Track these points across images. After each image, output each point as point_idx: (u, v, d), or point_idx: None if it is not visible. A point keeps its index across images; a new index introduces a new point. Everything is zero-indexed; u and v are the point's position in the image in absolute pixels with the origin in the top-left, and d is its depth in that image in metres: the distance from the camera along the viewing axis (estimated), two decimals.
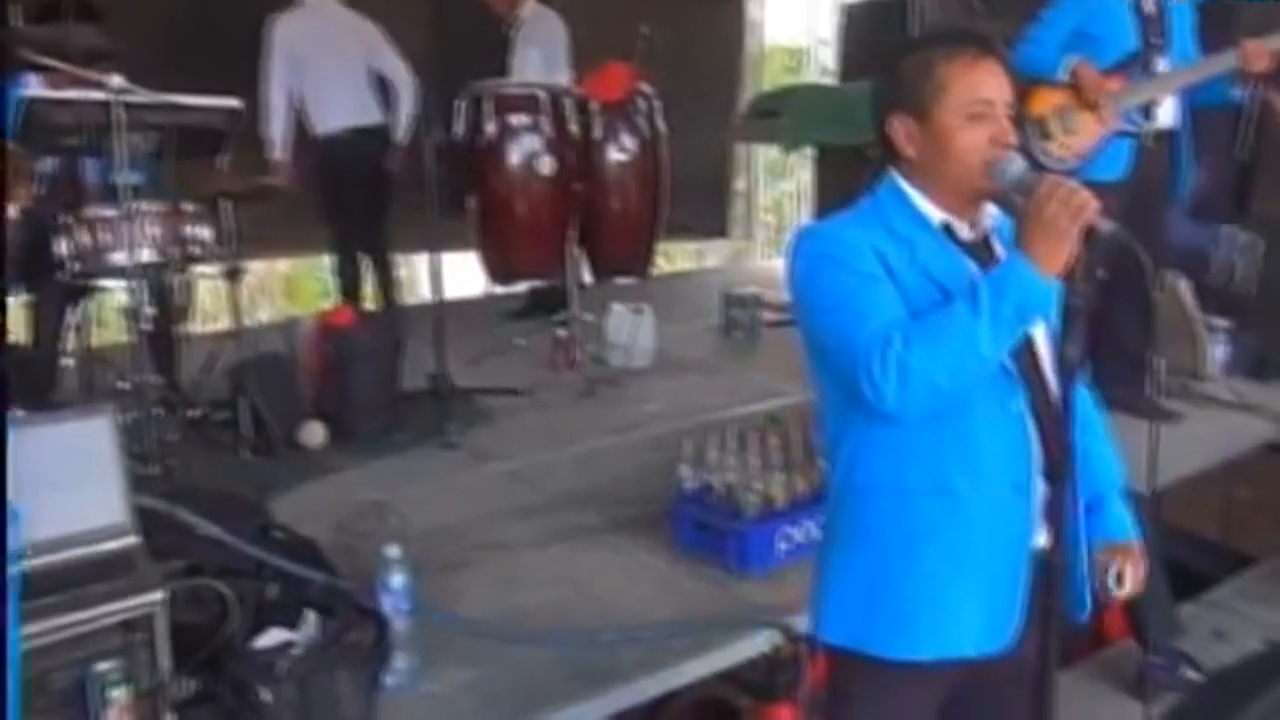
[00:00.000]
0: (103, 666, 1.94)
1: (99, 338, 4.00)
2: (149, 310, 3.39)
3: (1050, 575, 1.59)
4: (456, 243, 4.63)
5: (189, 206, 3.54)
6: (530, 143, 4.43)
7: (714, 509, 2.87)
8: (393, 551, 2.30)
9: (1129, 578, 1.73)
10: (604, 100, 4.54)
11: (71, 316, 3.73)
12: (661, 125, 4.64)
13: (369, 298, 5.33)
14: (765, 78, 8.36)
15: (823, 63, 8.36)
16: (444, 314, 3.98)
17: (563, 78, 4.93)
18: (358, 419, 3.79)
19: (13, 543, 1.46)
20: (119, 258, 3.33)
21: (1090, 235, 1.47)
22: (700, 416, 3.88)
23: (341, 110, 4.91)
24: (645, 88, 4.62)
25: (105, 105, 3.16)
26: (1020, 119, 1.82)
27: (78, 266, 3.37)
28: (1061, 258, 1.47)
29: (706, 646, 2.48)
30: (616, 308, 4.75)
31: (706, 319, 5.50)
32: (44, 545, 2.01)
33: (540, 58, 5.02)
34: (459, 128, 4.50)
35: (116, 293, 3.61)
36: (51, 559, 2.02)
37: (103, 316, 4.11)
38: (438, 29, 6.24)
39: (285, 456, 3.58)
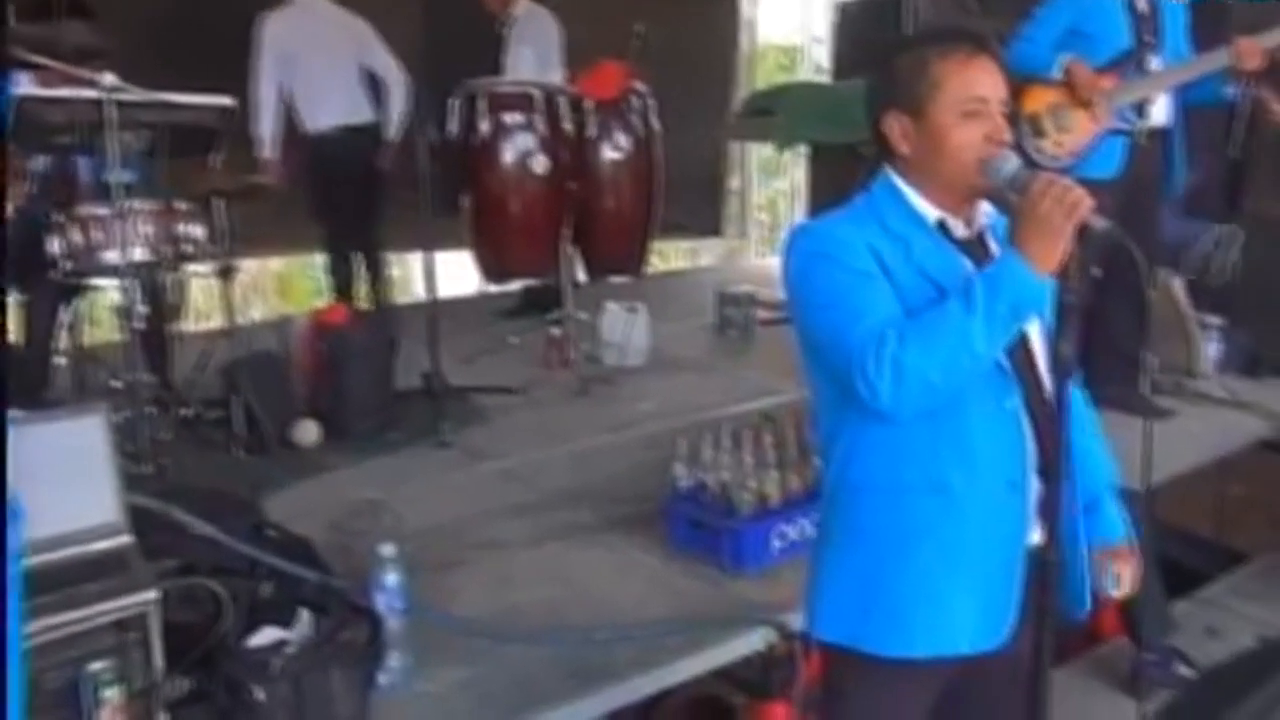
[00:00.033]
0: (96, 666, 1.93)
1: (91, 336, 3.99)
2: (142, 309, 3.38)
3: (1045, 573, 1.59)
4: (451, 241, 4.63)
5: (182, 205, 3.54)
6: (524, 141, 4.42)
7: (709, 507, 2.87)
8: (387, 550, 2.29)
9: (1126, 578, 1.74)
10: (598, 98, 4.53)
11: (64, 315, 3.72)
12: (655, 123, 4.63)
13: (360, 296, 5.33)
14: (759, 76, 8.37)
15: (817, 61, 8.36)
16: (438, 313, 3.97)
17: (556, 76, 4.93)
18: (352, 417, 3.79)
19: (17, 540, 1.45)
20: (112, 256, 3.33)
21: (1084, 233, 1.47)
22: (695, 415, 3.88)
23: (333, 108, 4.91)
24: (639, 86, 4.62)
25: (97, 103, 3.15)
26: (1014, 117, 1.83)
27: (70, 265, 3.36)
28: (1055, 255, 1.47)
29: (701, 644, 2.48)
30: (611, 306, 4.75)
31: (701, 317, 5.50)
32: (37, 544, 2.00)
33: (534, 56, 5.02)
34: (453, 126, 4.50)
35: (109, 291, 3.59)
36: (44, 558, 2.01)
37: (95, 315, 4.09)
38: (430, 27, 6.23)
39: (279, 455, 3.58)
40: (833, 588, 1.71)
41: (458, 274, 5.44)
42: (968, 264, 1.60)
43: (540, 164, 4.40)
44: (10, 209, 3.38)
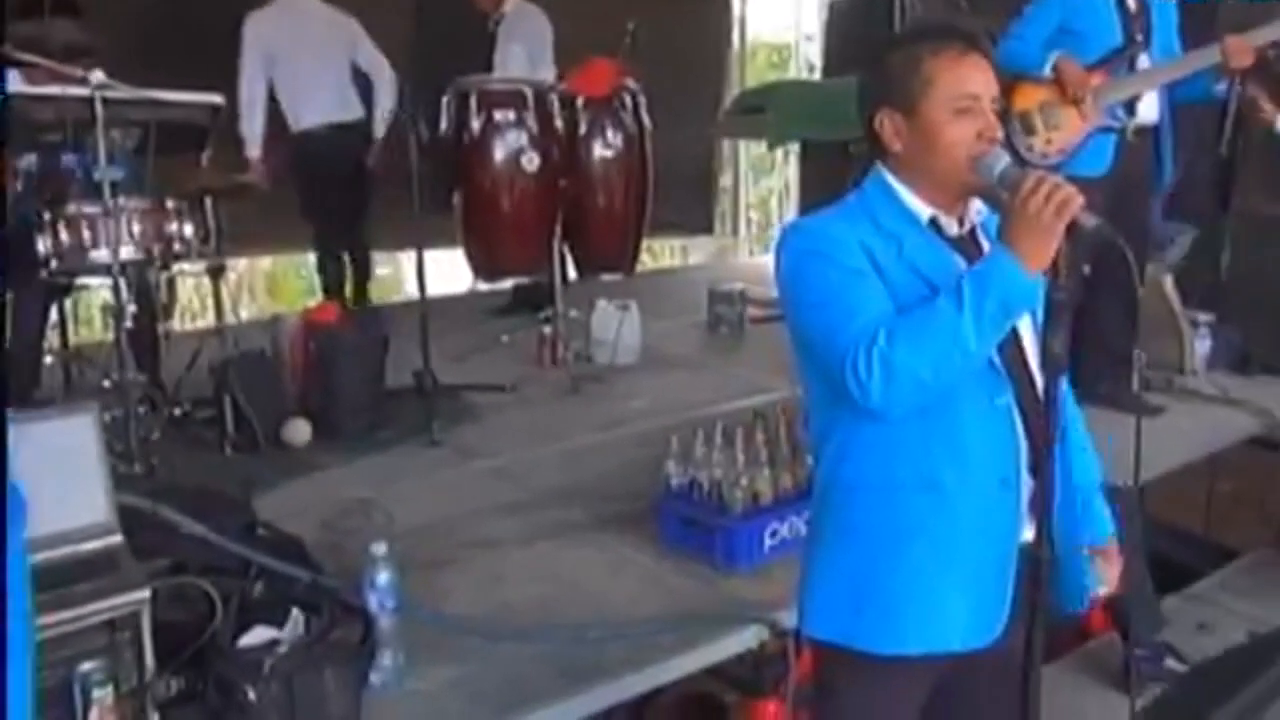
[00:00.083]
0: (86, 666, 1.93)
1: (81, 335, 3.98)
2: (131, 308, 3.37)
3: (1036, 569, 1.59)
4: (442, 239, 4.63)
5: (171, 203, 3.52)
6: (515, 139, 4.42)
7: (700, 505, 2.87)
8: (378, 549, 2.29)
9: (1110, 576, 1.76)
10: (589, 96, 4.53)
11: (53, 314, 3.70)
12: (646, 121, 4.63)
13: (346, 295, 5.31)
14: (750, 74, 8.36)
15: (808, 58, 8.37)
16: (429, 311, 3.96)
17: (547, 73, 4.92)
18: (342, 416, 3.78)
19: (20, 534, 1.43)
20: (101, 255, 3.31)
21: (1074, 230, 1.47)
22: (686, 413, 3.87)
23: (320, 106, 4.89)
24: (630, 83, 4.62)
25: (86, 100, 3.14)
26: (1005, 114, 1.83)
27: (59, 264, 3.35)
28: (1046, 253, 1.47)
29: (693, 642, 2.48)
30: (602, 304, 4.74)
31: (692, 315, 5.49)
32: (27, 544, 1.99)
33: (524, 53, 5.00)
34: (444, 123, 4.49)
35: (98, 290, 3.58)
36: (35, 558, 2.00)
37: (85, 314, 4.08)
38: (420, 24, 6.21)
39: (269, 454, 3.57)
40: (825, 585, 1.71)
41: (449, 272, 5.45)
42: (960, 261, 1.60)
43: (531, 162, 4.40)
44: None
